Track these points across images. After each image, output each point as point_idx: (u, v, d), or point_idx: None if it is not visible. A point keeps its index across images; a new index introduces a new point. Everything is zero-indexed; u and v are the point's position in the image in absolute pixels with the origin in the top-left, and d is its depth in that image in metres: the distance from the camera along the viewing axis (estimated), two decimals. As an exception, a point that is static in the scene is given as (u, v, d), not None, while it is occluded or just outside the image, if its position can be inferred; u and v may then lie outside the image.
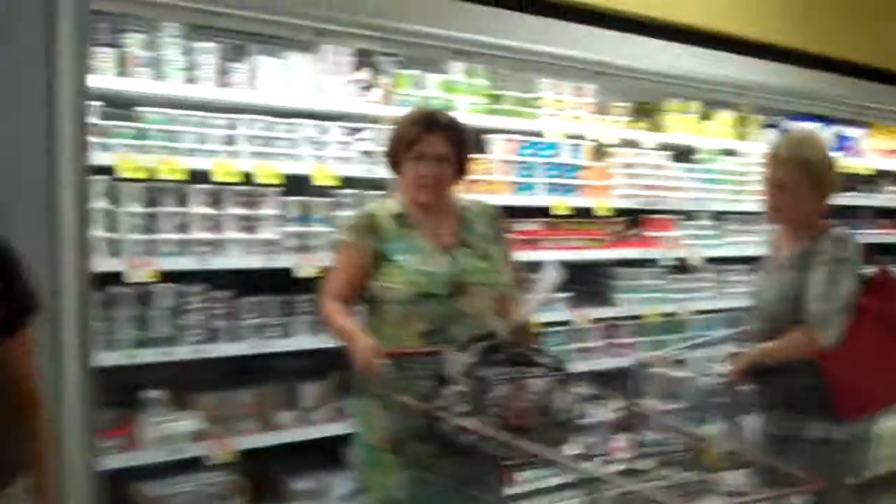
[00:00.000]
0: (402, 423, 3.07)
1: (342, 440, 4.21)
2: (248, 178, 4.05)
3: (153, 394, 3.81)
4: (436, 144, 3.21)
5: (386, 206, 3.33)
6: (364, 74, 4.47)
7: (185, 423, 3.82)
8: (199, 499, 3.83)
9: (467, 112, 4.70)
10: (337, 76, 4.41)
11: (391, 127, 3.38)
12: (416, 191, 3.25)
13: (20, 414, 2.29)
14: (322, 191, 4.32)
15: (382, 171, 4.41)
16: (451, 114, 3.39)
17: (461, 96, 4.82)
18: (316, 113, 4.35)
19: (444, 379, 2.90)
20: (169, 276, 3.85)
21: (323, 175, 4.25)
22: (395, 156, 3.29)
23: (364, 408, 3.26)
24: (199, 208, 3.94)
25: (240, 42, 4.27)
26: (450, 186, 3.32)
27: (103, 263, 3.62)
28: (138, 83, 3.88)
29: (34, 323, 2.30)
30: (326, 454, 4.23)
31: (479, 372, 2.83)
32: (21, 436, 2.29)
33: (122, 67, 3.88)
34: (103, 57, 3.80)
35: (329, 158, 4.32)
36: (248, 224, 4.07)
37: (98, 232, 3.61)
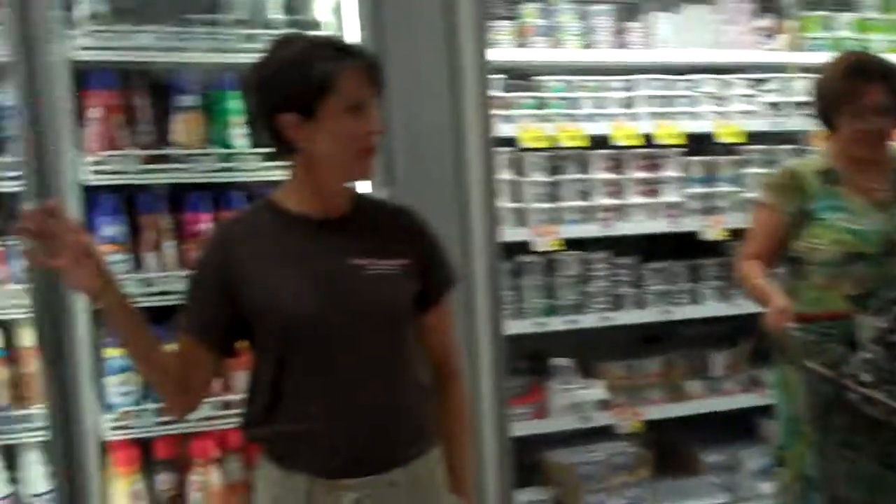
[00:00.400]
0: (817, 392, 2.84)
1: (753, 412, 4.02)
2: (648, 140, 3.94)
3: (561, 362, 3.83)
4: (877, 96, 2.92)
5: (809, 161, 3.13)
6: (767, 21, 4.19)
7: (592, 391, 3.81)
8: (608, 468, 3.82)
9: (887, 52, 4.23)
10: (737, 25, 4.17)
11: (818, 77, 3.10)
12: (855, 146, 2.99)
13: (439, 384, 2.37)
14: (727, 148, 4.10)
15: (792, 124, 4.15)
16: (880, 56, 3.06)
17: (878, 35, 4.37)
18: (716, 66, 4.14)
19: (854, 345, 2.69)
20: (573, 244, 3.84)
21: (727, 132, 4.03)
22: (828, 110, 3.03)
23: (782, 376, 3.08)
24: (600, 174, 3.89)
25: (634, 1, 4.16)
26: (889, 138, 3.01)
27: (510, 233, 3.67)
28: (536, 53, 3.90)
29: (451, 296, 2.35)
30: (737, 426, 4.05)
31: (892, 338, 2.56)
32: (441, 405, 2.37)
33: (520, 38, 3.92)
34: (501, 30, 3.85)
35: (733, 114, 4.09)
36: (651, 187, 3.96)
37: (504, 202, 3.68)
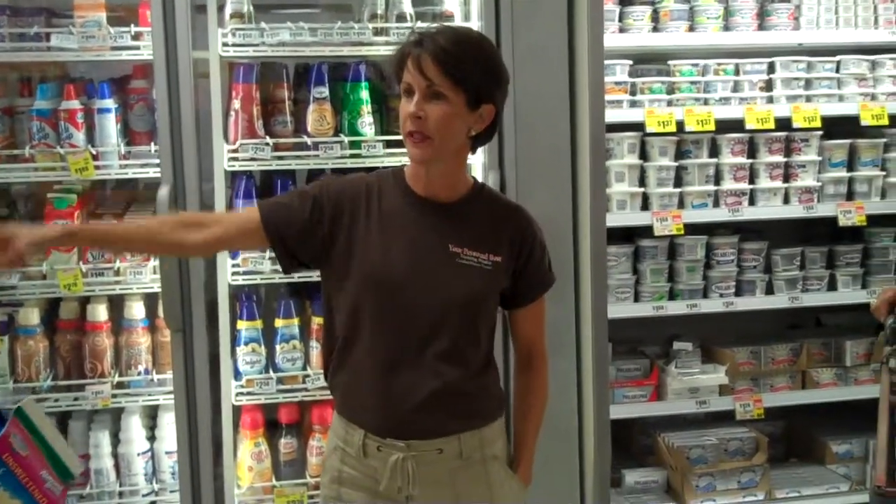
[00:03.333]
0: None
1: (890, 403, 3.91)
2: (785, 124, 3.87)
3: (683, 345, 3.86)
4: None
5: None
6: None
7: (712, 376, 3.81)
8: (720, 452, 3.83)
9: None
10: (895, 3, 4.00)
11: None
12: None
13: (523, 366, 2.55)
14: (870, 131, 3.97)
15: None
16: None
17: None
18: (865, 47, 4.00)
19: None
20: (699, 228, 3.85)
21: (871, 114, 3.89)
22: None
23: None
24: (730, 158, 3.85)
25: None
26: None
27: (632, 217, 3.74)
28: (671, 37, 3.90)
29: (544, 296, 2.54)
30: (868, 416, 3.94)
31: None
32: (522, 385, 2.56)
33: (657, 23, 3.93)
34: (637, 15, 3.88)
35: (880, 95, 3.96)
36: (785, 171, 3.89)
37: (627, 187, 3.74)
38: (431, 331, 2.31)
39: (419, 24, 3.45)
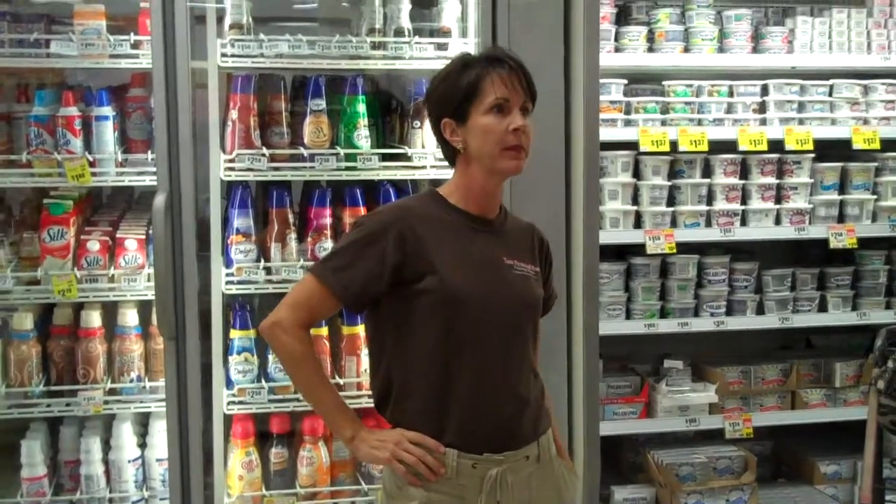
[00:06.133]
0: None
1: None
2: (777, 146, 3.91)
3: (673, 363, 3.88)
4: None
5: None
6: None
7: (702, 394, 3.83)
8: (709, 471, 3.84)
9: None
10: (887, 29, 4.06)
11: None
12: None
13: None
14: (862, 155, 4.01)
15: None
16: None
17: None
18: (858, 71, 4.05)
19: None
20: (691, 248, 3.88)
21: (863, 138, 3.93)
22: None
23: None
24: (722, 178, 3.89)
25: (780, 5, 4.13)
26: None
27: (624, 235, 3.78)
28: (666, 57, 3.94)
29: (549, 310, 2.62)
30: (856, 437, 3.97)
31: None
32: None
33: (652, 43, 3.97)
34: (633, 35, 3.92)
35: (872, 119, 4.01)
36: (776, 193, 3.93)
37: (620, 205, 3.77)
38: (511, 340, 2.37)
39: (417, 38, 3.48)
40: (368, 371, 2.50)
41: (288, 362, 2.41)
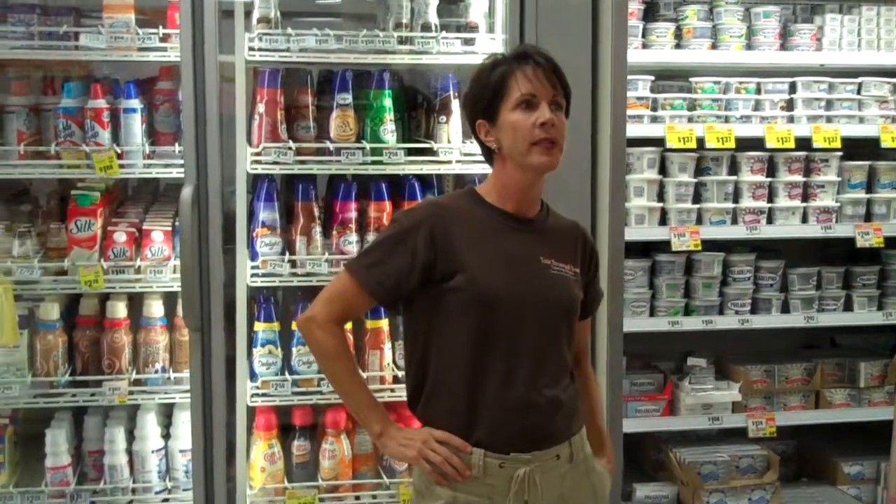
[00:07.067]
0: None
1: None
2: (805, 144, 3.88)
3: (697, 361, 3.87)
4: None
5: None
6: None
7: (726, 393, 3.82)
8: (731, 469, 3.83)
9: None
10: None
11: None
12: None
13: (576, 366, 2.57)
14: (890, 153, 3.99)
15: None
16: None
17: None
18: (887, 69, 4.01)
19: None
20: (717, 245, 3.87)
21: (891, 136, 3.90)
22: None
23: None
24: (749, 176, 3.87)
25: (808, 2, 4.10)
26: None
27: (649, 232, 3.76)
28: (694, 54, 3.92)
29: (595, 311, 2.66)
30: (880, 438, 3.95)
31: None
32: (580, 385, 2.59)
33: (680, 40, 3.95)
34: (660, 31, 3.90)
35: (900, 118, 3.98)
36: (803, 191, 3.90)
37: (646, 202, 3.75)
38: (543, 340, 2.37)
39: (444, 34, 3.47)
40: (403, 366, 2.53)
41: (320, 356, 2.43)
